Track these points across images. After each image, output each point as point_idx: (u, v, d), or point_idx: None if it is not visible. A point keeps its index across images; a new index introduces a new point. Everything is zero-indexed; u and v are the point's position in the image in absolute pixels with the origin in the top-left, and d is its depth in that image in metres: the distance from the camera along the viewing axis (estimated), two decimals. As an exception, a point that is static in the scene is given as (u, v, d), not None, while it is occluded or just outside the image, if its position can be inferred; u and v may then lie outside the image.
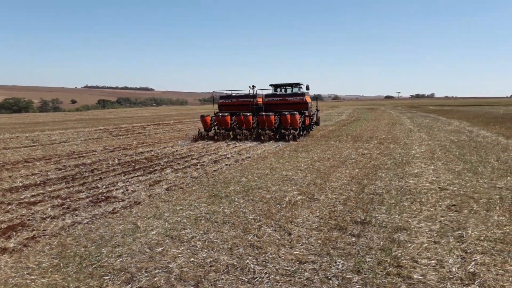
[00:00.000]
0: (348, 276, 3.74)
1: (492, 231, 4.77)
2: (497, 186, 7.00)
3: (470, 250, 4.23)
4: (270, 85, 19.19)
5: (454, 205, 5.91)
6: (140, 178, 8.70)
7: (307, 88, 17.71)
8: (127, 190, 7.57)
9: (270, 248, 4.46)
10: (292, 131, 15.70)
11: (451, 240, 4.53)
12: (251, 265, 4.02)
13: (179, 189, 7.59)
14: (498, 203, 5.94)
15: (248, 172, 9.02)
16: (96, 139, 18.33)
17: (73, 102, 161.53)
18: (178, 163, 10.57)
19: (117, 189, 7.67)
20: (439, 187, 7.02)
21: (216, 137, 16.42)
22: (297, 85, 18.90)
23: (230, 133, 16.76)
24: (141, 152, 13.13)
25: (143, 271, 3.97)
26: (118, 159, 11.60)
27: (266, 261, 4.14)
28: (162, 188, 7.67)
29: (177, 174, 9.00)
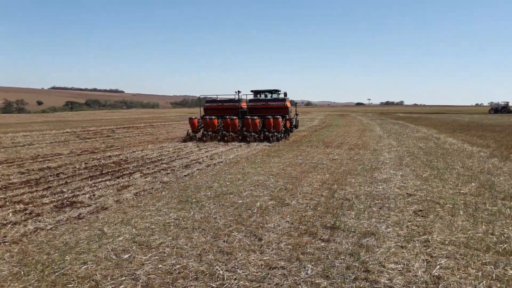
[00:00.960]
0: (317, 281, 3.75)
1: (456, 236, 4.91)
2: (462, 192, 7.22)
3: (435, 254, 4.33)
4: (251, 91, 20.12)
5: (420, 210, 6.05)
6: (107, 182, 8.49)
7: (285, 94, 19.04)
8: (94, 195, 7.36)
9: (240, 254, 4.42)
10: (275, 133, 17.07)
11: (417, 245, 4.63)
12: (220, 271, 3.97)
13: (148, 194, 7.44)
14: (462, 208, 6.13)
15: (219, 177, 8.96)
16: (62, 142, 17.79)
17: (39, 103, 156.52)
18: (148, 168, 10.38)
19: (83, 194, 7.44)
20: (407, 193, 7.17)
21: (204, 138, 17.39)
22: (276, 91, 19.98)
23: (218, 134, 17.61)
24: (110, 156, 12.82)
25: (109, 278, 3.85)
26: (85, 163, 11.28)
27: (236, 267, 4.09)
28: (130, 193, 7.50)
29: (146, 179, 8.84)
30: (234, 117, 17.71)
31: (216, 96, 19.69)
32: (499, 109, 65.28)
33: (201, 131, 18.22)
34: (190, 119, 18.47)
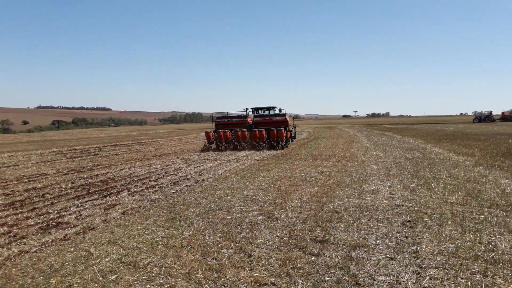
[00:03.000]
0: (307, 297, 3.71)
1: (445, 245, 4.93)
2: (449, 201, 7.28)
3: (425, 265, 4.34)
4: (251, 108, 24.22)
5: (409, 221, 6.08)
6: (94, 202, 8.37)
7: (280, 110, 23.33)
8: (80, 215, 7.25)
9: (230, 271, 4.37)
10: (280, 142, 20.62)
11: (406, 256, 4.63)
12: (210, 290, 3.92)
13: (135, 212, 7.35)
14: (450, 217, 6.17)
15: (208, 193, 8.90)
16: (49, 162, 17.54)
17: (25, 123, 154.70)
18: (136, 186, 10.27)
19: (69, 214, 7.32)
20: (395, 204, 7.21)
21: (220, 148, 20.91)
22: (273, 108, 24.03)
23: (230, 145, 21.05)
24: (97, 175, 12.68)
25: (95, 301, 3.77)
26: (72, 183, 11.12)
27: (225, 284, 4.04)
28: (118, 212, 7.40)
29: (134, 197, 8.74)
30: (244, 130, 21.22)
31: (226, 113, 23.49)
32: (483, 118, 66.55)
33: (215, 142, 21.51)
34: (206, 133, 21.81)
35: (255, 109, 24.27)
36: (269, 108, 24.13)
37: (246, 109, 22.98)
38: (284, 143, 20.99)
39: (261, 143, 20.56)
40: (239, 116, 22.68)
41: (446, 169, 11.18)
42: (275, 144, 20.48)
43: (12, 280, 4.35)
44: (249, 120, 22.64)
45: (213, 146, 21.42)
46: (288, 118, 22.68)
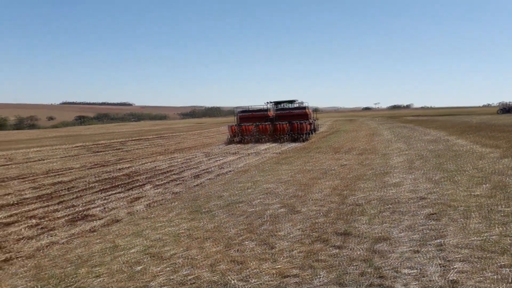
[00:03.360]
0: (331, 289, 3.72)
1: (470, 239, 4.84)
2: (474, 194, 7.14)
3: (450, 258, 4.28)
4: (272, 101, 24.64)
5: (433, 213, 5.99)
6: (119, 195, 8.55)
7: (302, 103, 23.84)
8: (106, 207, 7.42)
9: (253, 263, 4.41)
10: (301, 134, 21.24)
11: (431, 249, 4.57)
12: (233, 281, 3.97)
13: (159, 205, 7.48)
14: (475, 210, 6.05)
15: (229, 186, 8.98)
16: (74, 156, 17.98)
17: (50, 119, 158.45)
18: (158, 179, 10.44)
19: (95, 207, 7.51)
20: (419, 196, 7.11)
21: (243, 141, 21.65)
22: (293, 101, 24.50)
23: (252, 138, 21.79)
24: (121, 169, 12.93)
25: (123, 291, 3.87)
26: (97, 176, 11.38)
27: (249, 276, 4.09)
28: (142, 204, 7.55)
29: (157, 190, 8.89)
30: (266, 123, 21.78)
31: (248, 107, 24.14)
32: (508, 109, 64.56)
33: (238, 135, 22.15)
34: (229, 126, 22.59)
35: (276, 103, 24.79)
36: (290, 102, 24.67)
37: (268, 103, 23.93)
38: (306, 136, 21.55)
39: (283, 136, 21.14)
40: (260, 110, 23.35)
41: (471, 161, 10.95)
42: (297, 136, 21.05)
43: (42, 270, 4.50)
44: (271, 114, 23.20)
45: (236, 139, 22.04)
46: (309, 111, 23.25)
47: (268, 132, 21.60)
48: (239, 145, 20.70)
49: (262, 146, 19.03)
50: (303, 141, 20.92)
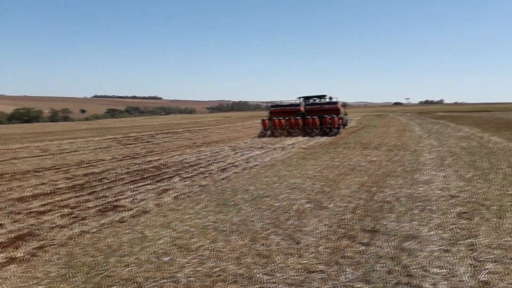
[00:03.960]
0: (357, 286, 3.68)
1: (504, 239, 4.68)
2: (509, 193, 6.89)
3: (482, 259, 4.15)
4: (302, 97, 25.05)
5: (465, 212, 5.82)
6: (148, 187, 8.72)
7: (330, 98, 24.11)
8: (135, 199, 7.59)
9: (278, 257, 4.41)
10: (333, 128, 21.77)
11: (462, 248, 4.45)
12: (259, 275, 3.98)
13: (187, 197, 7.59)
14: (510, 210, 5.84)
15: (256, 180, 9.00)
16: (105, 148, 18.46)
17: (83, 111, 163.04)
18: (186, 172, 10.58)
19: (125, 198, 7.69)
20: (450, 194, 6.92)
21: (276, 134, 22.25)
22: (323, 96, 24.82)
23: (284, 131, 22.43)
24: (150, 161, 13.18)
25: (151, 280, 3.95)
26: (127, 168, 11.65)
27: (274, 270, 4.09)
28: (170, 196, 7.68)
29: (185, 183, 9.01)
30: (298, 118, 22.28)
31: (280, 102, 24.63)
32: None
33: (270, 129, 22.74)
34: (262, 120, 23.20)
35: (306, 98, 25.27)
36: (319, 97, 25.15)
37: (300, 98, 24.84)
38: (337, 130, 22.17)
39: (314, 129, 21.85)
40: (292, 105, 24.00)
41: (506, 159, 10.56)
42: (328, 130, 21.69)
43: (74, 258, 4.65)
44: (302, 109, 23.78)
45: (268, 132, 22.74)
46: (339, 106, 23.78)
47: (300, 126, 22.24)
48: (265, 139, 20.85)
49: (290, 141, 19.10)
50: (334, 135, 21.38)
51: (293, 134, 22.13)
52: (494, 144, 14.15)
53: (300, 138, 20.31)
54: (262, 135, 22.92)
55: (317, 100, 25.18)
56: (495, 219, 5.46)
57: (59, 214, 6.63)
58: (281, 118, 22.64)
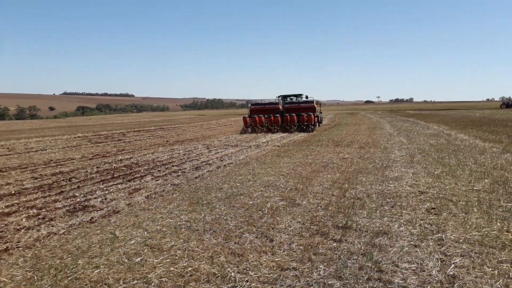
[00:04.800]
0: (330, 282, 3.71)
1: (470, 233, 4.83)
2: (475, 188, 7.12)
3: (450, 253, 4.27)
4: (280, 95, 26.78)
5: (433, 208, 5.97)
6: (119, 186, 8.54)
7: (306, 97, 25.71)
8: (105, 198, 7.41)
9: (252, 256, 4.40)
10: (310, 125, 23.06)
11: (431, 243, 4.56)
12: (232, 273, 3.96)
13: (159, 197, 7.47)
14: (476, 205, 6.03)
15: (230, 178, 8.96)
16: (74, 147, 17.97)
17: (51, 109, 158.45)
18: (159, 170, 10.43)
19: (95, 197, 7.50)
20: (419, 191, 7.09)
21: (257, 130, 23.67)
22: (300, 95, 26.37)
23: (264, 128, 23.76)
24: (121, 160, 12.92)
25: (121, 282, 3.87)
26: (97, 167, 11.38)
27: (247, 268, 4.08)
28: (141, 196, 7.54)
29: (157, 182, 8.87)
30: (277, 115, 23.64)
31: (260, 100, 26.13)
32: (510, 104, 64.33)
33: (251, 126, 24.06)
34: (244, 118, 24.51)
35: (284, 97, 26.83)
36: (296, 96, 26.64)
37: (278, 96, 26.54)
38: (313, 127, 23.66)
39: (292, 126, 23.28)
40: (271, 103, 25.26)
41: (472, 156, 10.92)
42: (305, 127, 23.03)
43: (41, 260, 4.50)
44: (280, 107, 25.17)
45: (249, 129, 24.12)
46: (315, 105, 25.27)
47: (279, 123, 23.63)
48: (240, 137, 21.07)
49: (264, 138, 19.27)
50: (311, 131, 22.96)
51: (273, 130, 23.46)
52: (461, 141, 14.61)
53: (275, 136, 20.69)
54: (243, 131, 24.15)
55: (295, 99, 26.53)
56: (462, 214, 5.63)
57: (25, 215, 6.39)
58: (261, 115, 23.89)
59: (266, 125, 23.72)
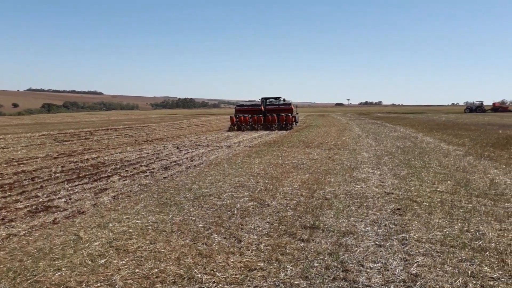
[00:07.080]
0: (296, 282, 3.73)
1: (433, 233, 4.98)
2: (438, 190, 7.35)
3: (413, 253, 4.38)
4: (261, 98, 30.51)
5: (398, 208, 6.12)
6: (85, 186, 8.32)
7: (284, 100, 29.67)
8: (70, 199, 7.20)
9: (219, 257, 4.37)
10: (288, 124, 26.68)
11: (395, 243, 4.67)
12: (199, 275, 3.92)
13: (126, 197, 7.31)
14: (439, 206, 6.23)
15: (200, 179, 8.88)
16: (39, 145, 17.37)
17: (15, 105, 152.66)
18: (126, 170, 10.22)
19: (59, 198, 7.27)
20: (385, 192, 7.25)
21: (242, 128, 26.53)
22: (278, 98, 30.23)
23: (248, 126, 26.72)
24: (87, 159, 12.58)
25: (84, 285, 3.75)
26: (62, 166, 11.03)
27: (215, 269, 4.05)
28: (108, 196, 7.36)
29: (125, 182, 8.69)
30: (260, 115, 27.02)
31: (245, 102, 29.55)
32: (474, 109, 67.09)
33: (237, 124, 26.94)
34: (231, 117, 27.46)
35: (265, 99, 30.45)
36: (276, 98, 30.45)
37: (261, 98, 30.36)
38: (291, 125, 27.21)
39: (273, 125, 26.54)
40: (254, 104, 28.74)
41: (437, 158, 11.27)
42: (284, 126, 26.57)
43: (0, 263, 4.31)
44: (262, 108, 28.35)
45: (235, 127, 26.95)
46: (292, 106, 28.62)
47: (261, 122, 26.88)
48: (211, 137, 21.10)
49: (236, 139, 19.41)
50: (290, 129, 26.60)
51: (256, 128, 26.73)
52: (426, 144, 15.06)
53: (247, 136, 21.19)
54: (230, 129, 27.11)
55: (274, 101, 30.05)
56: (425, 214, 5.79)
57: (-17, 216, 6.11)
58: (246, 115, 27.11)
59: (251, 123, 26.84)
